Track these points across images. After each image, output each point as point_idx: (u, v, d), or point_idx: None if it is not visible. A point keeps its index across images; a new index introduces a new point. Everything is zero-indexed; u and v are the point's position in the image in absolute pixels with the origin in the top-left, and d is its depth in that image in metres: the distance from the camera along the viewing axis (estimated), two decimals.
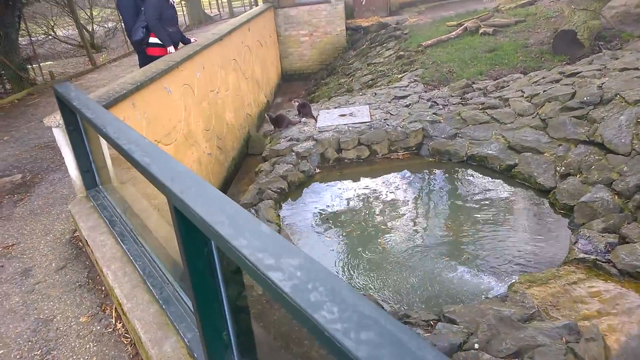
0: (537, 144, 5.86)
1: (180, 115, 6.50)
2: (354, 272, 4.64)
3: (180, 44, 7.53)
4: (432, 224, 5.28)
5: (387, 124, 6.98)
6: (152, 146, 1.83)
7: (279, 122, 7.75)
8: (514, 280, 4.02)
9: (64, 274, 3.57)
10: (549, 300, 3.54)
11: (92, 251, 3.33)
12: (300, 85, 15.54)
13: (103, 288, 3.31)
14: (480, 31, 10.99)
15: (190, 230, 1.43)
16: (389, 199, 5.84)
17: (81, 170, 3.76)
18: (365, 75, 11.55)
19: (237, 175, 9.24)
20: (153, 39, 7.05)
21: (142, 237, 3.10)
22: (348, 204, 5.84)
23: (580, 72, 6.94)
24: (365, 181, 6.30)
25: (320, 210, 5.74)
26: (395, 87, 8.90)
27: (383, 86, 10.00)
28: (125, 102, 4.94)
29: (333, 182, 6.37)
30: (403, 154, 6.84)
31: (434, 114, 7.17)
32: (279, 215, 5.50)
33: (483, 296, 3.95)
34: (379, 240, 5.08)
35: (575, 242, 4.21)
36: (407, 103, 7.77)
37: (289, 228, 5.33)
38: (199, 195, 1.29)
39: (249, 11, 13.29)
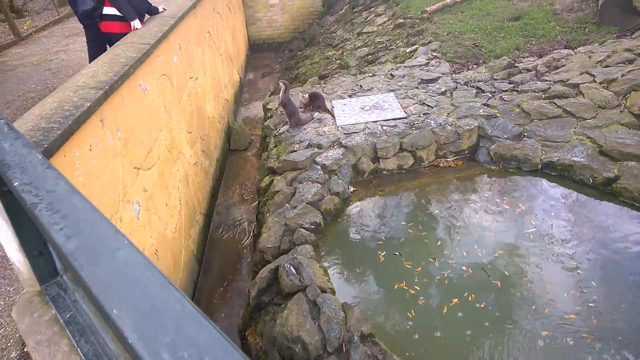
0: None
1: (160, 121, 4.66)
2: None
3: (146, 16, 5.56)
4: (526, 273, 3.90)
5: (431, 121, 5.45)
6: None
7: (285, 104, 5.91)
8: None
9: None
10: None
11: None
12: (272, 57, 13.56)
13: None
14: None
15: None
16: (456, 227, 4.40)
17: (28, 254, 2.01)
18: (359, 47, 9.83)
19: (223, 180, 7.48)
20: (109, 10, 5.07)
21: None
22: (407, 237, 4.34)
23: None
24: (417, 201, 4.80)
25: (374, 252, 4.21)
26: (413, 65, 7.32)
27: (389, 62, 8.38)
28: (91, 121, 3.11)
29: (375, 205, 4.82)
30: (454, 160, 5.37)
31: (484, 104, 5.70)
32: (326, 271, 3.91)
33: None
34: (468, 300, 3.67)
35: None
36: (442, 89, 6.23)
37: (350, 297, 3.77)
38: None
39: None
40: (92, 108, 3.07)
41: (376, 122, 5.61)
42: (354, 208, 4.78)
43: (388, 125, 5.47)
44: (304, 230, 4.21)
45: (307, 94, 6.05)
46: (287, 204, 4.63)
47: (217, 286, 5.34)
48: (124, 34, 4.99)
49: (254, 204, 6.70)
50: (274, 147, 5.83)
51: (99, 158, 3.18)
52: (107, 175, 3.28)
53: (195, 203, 5.69)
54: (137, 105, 4.04)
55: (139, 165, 3.94)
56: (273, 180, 5.28)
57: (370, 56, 9.12)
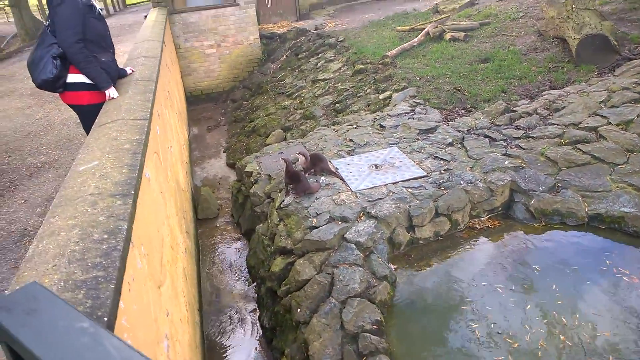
0: None
1: (162, 213, 3.62)
2: None
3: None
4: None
5: (459, 179, 4.91)
6: None
7: (297, 177, 5.03)
8: None
9: None
10: None
11: None
12: (212, 109, 12.60)
13: None
14: (448, 37, 9.53)
15: None
16: (539, 294, 3.82)
17: None
18: (320, 95, 9.27)
19: (201, 256, 6.34)
20: (76, 77, 3.97)
21: None
22: (488, 311, 3.66)
23: None
24: (475, 272, 4.14)
25: (459, 337, 3.46)
26: (399, 114, 6.85)
27: (363, 111, 7.89)
28: (131, 253, 2.10)
29: (426, 284, 4.08)
30: (489, 220, 4.85)
31: (505, 155, 5.31)
32: None
33: None
34: None
35: None
36: (448, 140, 5.78)
37: None
38: None
39: (148, 18, 10.02)
40: (129, 229, 2.07)
41: (395, 183, 4.96)
42: (405, 292, 4.01)
43: (413, 187, 4.84)
44: (372, 336, 3.35)
45: (307, 156, 5.27)
46: (332, 299, 3.75)
47: None
48: (95, 106, 3.93)
49: (249, 287, 5.67)
50: (279, 221, 4.93)
51: (136, 297, 2.14)
52: (144, 317, 2.24)
53: (193, 300, 4.58)
54: (146, 201, 3.02)
55: (159, 281, 2.89)
56: (294, 264, 4.36)
57: (337, 105, 8.58)
